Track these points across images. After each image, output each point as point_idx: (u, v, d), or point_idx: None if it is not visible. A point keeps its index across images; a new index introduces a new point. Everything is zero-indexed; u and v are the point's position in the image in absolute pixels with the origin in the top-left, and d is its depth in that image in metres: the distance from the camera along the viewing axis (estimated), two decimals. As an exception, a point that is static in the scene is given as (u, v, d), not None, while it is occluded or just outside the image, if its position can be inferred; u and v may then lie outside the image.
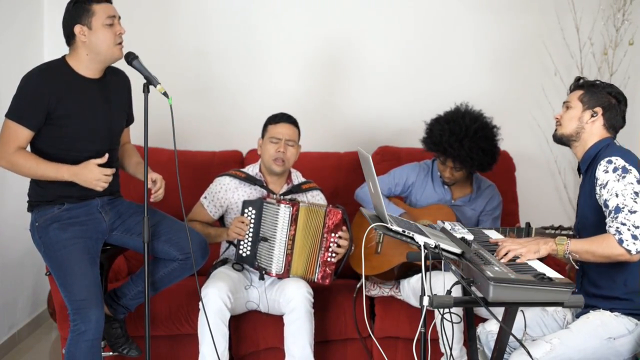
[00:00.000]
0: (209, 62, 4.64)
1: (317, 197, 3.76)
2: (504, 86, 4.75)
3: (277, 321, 3.52)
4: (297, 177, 3.80)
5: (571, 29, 4.64)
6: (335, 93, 4.73)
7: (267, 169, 3.69)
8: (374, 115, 4.72)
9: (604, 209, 2.71)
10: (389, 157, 4.26)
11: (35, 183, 3.19)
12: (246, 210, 3.51)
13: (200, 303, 3.38)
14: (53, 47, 4.63)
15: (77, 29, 3.06)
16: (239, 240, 3.51)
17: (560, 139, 2.93)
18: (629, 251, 2.60)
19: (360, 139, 4.56)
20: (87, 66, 3.11)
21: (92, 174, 3.07)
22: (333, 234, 3.48)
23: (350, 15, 4.69)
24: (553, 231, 3.42)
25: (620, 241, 2.60)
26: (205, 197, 3.70)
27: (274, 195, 3.61)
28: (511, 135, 4.56)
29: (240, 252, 3.52)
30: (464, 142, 3.65)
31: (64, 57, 3.15)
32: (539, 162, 4.79)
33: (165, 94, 3.05)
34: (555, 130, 2.94)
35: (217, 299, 3.33)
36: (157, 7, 4.61)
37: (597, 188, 2.73)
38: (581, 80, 2.93)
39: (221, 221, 3.74)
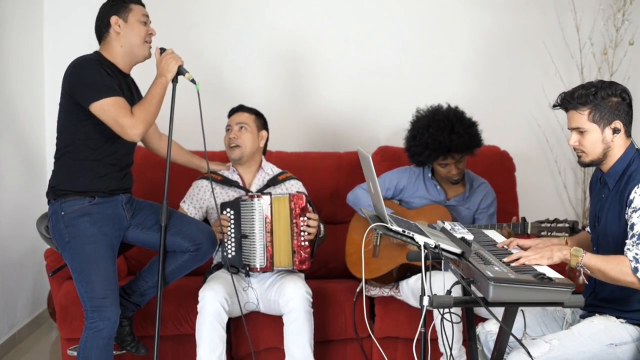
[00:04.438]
0: (209, 63, 4.64)
1: (295, 186, 3.79)
2: (503, 86, 4.75)
3: (276, 321, 3.52)
4: (272, 169, 3.83)
5: (571, 29, 4.64)
6: (334, 93, 4.73)
7: (230, 159, 3.79)
8: (374, 115, 4.72)
9: (628, 230, 2.62)
10: (389, 157, 4.26)
11: (67, 171, 3.20)
12: (224, 212, 3.54)
13: (198, 305, 3.40)
14: (53, 48, 4.65)
15: (114, 19, 3.20)
16: (222, 242, 3.52)
17: (590, 165, 2.79)
18: None
19: (360, 139, 4.56)
20: (121, 58, 3.24)
21: (166, 57, 3.21)
22: (302, 218, 3.51)
23: (349, 14, 4.70)
24: (549, 224, 3.41)
25: (635, 270, 2.54)
26: (184, 202, 3.75)
27: (250, 194, 3.64)
28: (511, 135, 4.58)
29: (226, 254, 3.54)
30: (456, 128, 3.65)
31: (97, 52, 3.26)
32: (539, 162, 4.79)
33: (192, 80, 3.22)
34: (580, 158, 2.77)
35: (215, 302, 3.34)
36: (161, 10, 4.61)
37: (629, 210, 2.63)
38: (575, 95, 2.70)
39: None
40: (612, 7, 4.63)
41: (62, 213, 3.15)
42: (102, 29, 3.24)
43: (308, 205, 3.53)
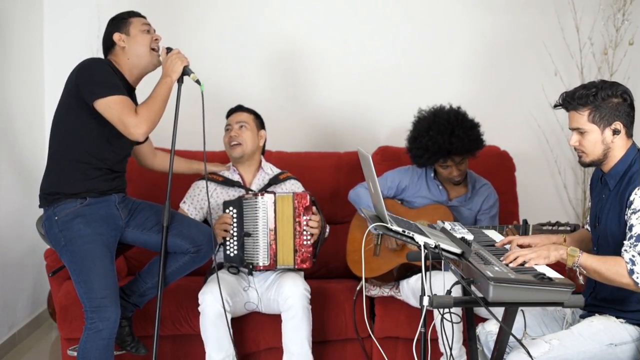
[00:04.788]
0: (208, 64, 4.64)
1: (295, 186, 3.80)
2: (503, 86, 4.75)
3: (276, 321, 3.52)
4: (271, 169, 3.84)
5: (571, 29, 4.64)
6: (334, 93, 4.73)
7: (231, 158, 3.79)
8: (374, 115, 4.72)
9: (627, 231, 2.62)
10: (389, 157, 4.26)
11: (59, 172, 3.21)
12: (227, 211, 3.55)
13: (199, 307, 3.41)
14: (53, 48, 4.65)
15: (116, 36, 3.25)
16: (225, 241, 3.53)
17: (591, 165, 2.79)
18: (636, 284, 2.54)
19: (360, 139, 4.56)
20: (129, 71, 3.26)
21: (172, 57, 3.21)
22: (305, 217, 3.52)
23: (350, 15, 4.70)
24: (551, 227, 3.41)
25: (631, 272, 2.54)
26: (185, 202, 3.75)
27: (252, 192, 3.65)
28: (511, 135, 4.58)
29: (228, 252, 3.55)
30: (456, 131, 3.65)
31: (108, 59, 3.29)
32: (539, 162, 4.79)
33: (197, 81, 3.22)
34: (581, 158, 2.77)
35: (215, 304, 3.35)
36: (159, 12, 4.62)
37: (629, 211, 2.63)
38: (575, 95, 2.70)
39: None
40: (612, 7, 4.63)
41: (56, 217, 3.15)
42: (109, 48, 3.28)
43: (312, 205, 3.54)
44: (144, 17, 3.33)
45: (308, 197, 3.53)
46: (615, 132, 2.70)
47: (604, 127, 2.70)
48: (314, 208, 3.55)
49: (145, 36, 3.27)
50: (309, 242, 3.52)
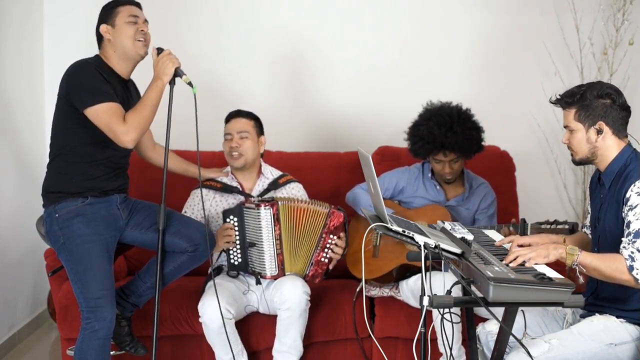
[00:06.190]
0: (208, 63, 4.65)
1: (295, 190, 3.77)
2: (504, 86, 4.75)
3: (275, 322, 3.52)
4: (271, 172, 3.81)
5: (571, 29, 4.64)
6: (334, 93, 4.73)
7: (232, 167, 3.74)
8: (374, 115, 4.72)
9: (624, 228, 2.64)
10: (389, 157, 4.26)
11: (59, 173, 3.21)
12: (227, 219, 3.53)
13: (199, 319, 3.41)
14: (53, 48, 4.65)
15: (103, 28, 3.22)
16: (228, 250, 3.53)
17: (581, 163, 2.84)
18: (636, 280, 2.55)
19: (360, 139, 4.56)
20: (118, 63, 3.23)
21: (163, 58, 3.14)
22: (332, 236, 3.51)
23: (349, 15, 4.70)
24: (549, 226, 3.41)
25: (631, 268, 2.55)
26: (185, 212, 3.71)
27: (252, 199, 3.61)
28: (511, 135, 4.58)
29: (232, 261, 3.55)
30: (454, 127, 3.65)
31: (97, 55, 3.26)
32: (539, 162, 4.79)
33: (190, 83, 3.15)
34: (572, 156, 2.84)
35: (216, 316, 3.33)
36: (159, 11, 4.62)
37: (625, 207, 2.65)
38: (565, 95, 2.79)
39: None
40: (612, 7, 4.63)
41: (56, 215, 3.15)
42: (99, 40, 3.26)
43: (342, 227, 3.53)
44: (135, 4, 3.26)
45: (343, 217, 3.52)
46: (599, 132, 2.73)
47: (588, 126, 2.74)
48: (342, 232, 3.53)
49: (129, 27, 3.19)
50: (325, 260, 3.53)
